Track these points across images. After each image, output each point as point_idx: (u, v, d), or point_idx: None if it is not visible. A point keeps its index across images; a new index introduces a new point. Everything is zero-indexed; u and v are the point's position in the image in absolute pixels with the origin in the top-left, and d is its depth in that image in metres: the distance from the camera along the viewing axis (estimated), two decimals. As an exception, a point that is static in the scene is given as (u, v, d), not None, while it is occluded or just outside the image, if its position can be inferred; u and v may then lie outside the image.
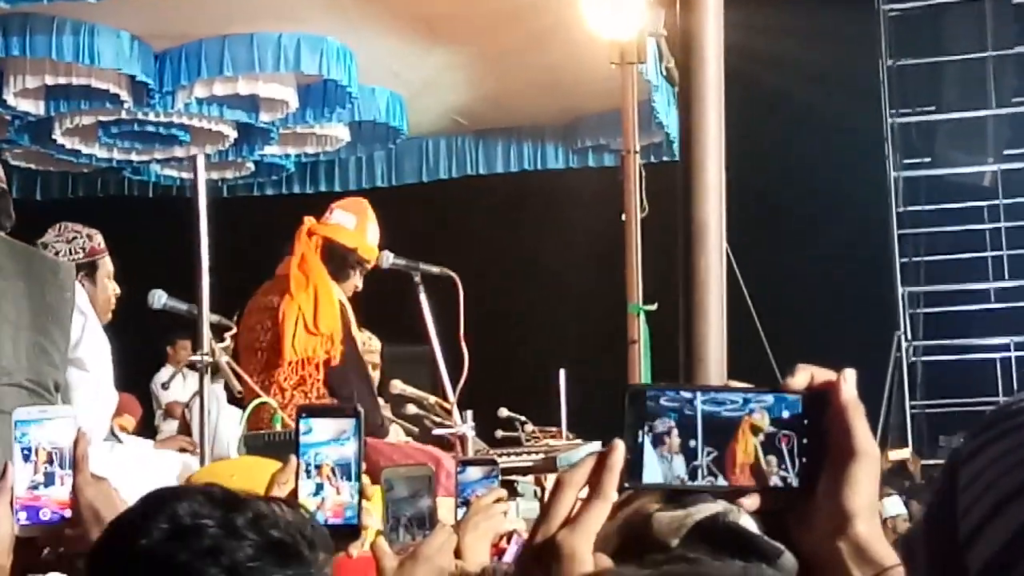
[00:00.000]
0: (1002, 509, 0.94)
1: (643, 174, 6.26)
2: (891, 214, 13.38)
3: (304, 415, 1.97)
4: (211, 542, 1.56)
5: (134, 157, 7.24)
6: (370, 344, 6.20)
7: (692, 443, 1.18)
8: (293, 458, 1.95)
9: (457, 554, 2.46)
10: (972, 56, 13.14)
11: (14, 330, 3.46)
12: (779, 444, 1.20)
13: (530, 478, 5.53)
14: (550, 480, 5.21)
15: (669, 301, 4.68)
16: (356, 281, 5.57)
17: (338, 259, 5.48)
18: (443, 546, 2.39)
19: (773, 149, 11.25)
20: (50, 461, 1.98)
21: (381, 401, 6.02)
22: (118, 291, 5.09)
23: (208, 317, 4.94)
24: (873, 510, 1.17)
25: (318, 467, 1.94)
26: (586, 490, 1.18)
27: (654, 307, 5.94)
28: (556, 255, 11.13)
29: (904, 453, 11.04)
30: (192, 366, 5.03)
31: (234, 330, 5.31)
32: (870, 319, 12.85)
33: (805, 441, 1.20)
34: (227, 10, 6.04)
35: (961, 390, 12.54)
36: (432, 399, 5.77)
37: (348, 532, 1.92)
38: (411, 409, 5.82)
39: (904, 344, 13.17)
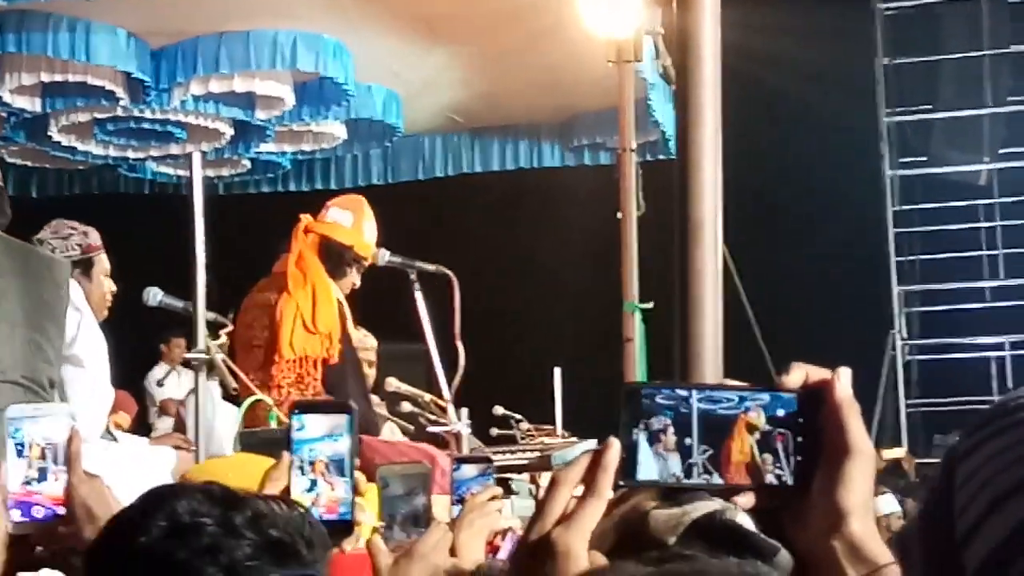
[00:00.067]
0: (999, 506, 0.94)
1: (639, 172, 6.27)
2: (886, 213, 13.37)
3: (297, 411, 1.97)
4: (210, 540, 1.56)
5: (130, 154, 7.24)
6: (366, 342, 6.19)
7: (688, 441, 1.18)
8: (286, 454, 1.95)
9: (452, 552, 2.46)
10: (968, 55, 13.13)
11: (9, 327, 3.46)
12: (774, 442, 1.20)
13: (525, 476, 5.53)
14: (545, 478, 5.21)
15: (665, 299, 4.69)
16: (354, 278, 5.57)
17: (335, 257, 5.48)
18: (438, 544, 2.39)
19: (769, 147, 11.24)
20: (43, 457, 1.97)
21: (377, 399, 6.02)
22: (114, 288, 5.08)
23: (204, 314, 4.93)
24: (867, 508, 1.17)
25: (312, 463, 1.93)
26: (581, 488, 1.18)
27: (650, 305, 5.94)
28: (552, 253, 11.13)
29: (899, 452, 11.04)
30: (187, 363, 5.03)
31: (230, 327, 5.31)
32: (865, 317, 12.85)
33: (800, 439, 1.20)
34: (224, 7, 6.04)
35: (956, 389, 12.53)
36: (427, 397, 5.77)
37: (342, 528, 1.92)
38: (406, 407, 5.82)
39: (899, 342, 13.17)
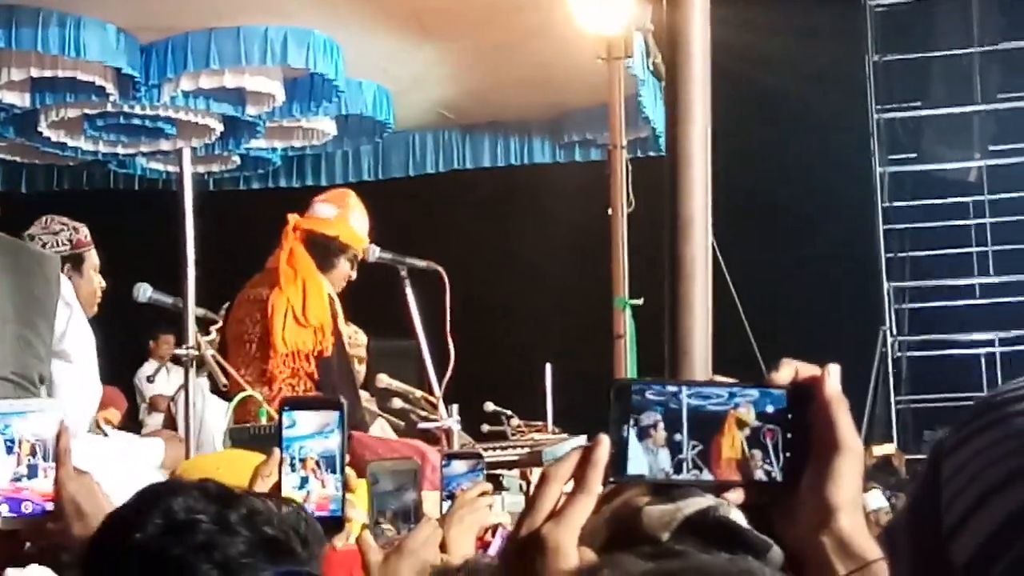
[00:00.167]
0: (987, 501, 0.94)
1: (629, 169, 6.27)
2: (877, 210, 13.39)
3: (287, 408, 1.97)
4: (204, 537, 1.56)
5: (120, 150, 7.22)
6: (356, 338, 6.19)
7: (678, 437, 1.18)
8: (276, 451, 1.95)
9: (442, 547, 2.47)
10: (958, 52, 13.16)
11: (0, 323, 3.46)
12: (764, 438, 1.20)
13: (515, 472, 5.54)
14: (535, 474, 5.21)
15: (655, 296, 4.69)
16: (345, 269, 5.56)
17: (320, 248, 5.49)
18: (428, 540, 2.39)
19: (759, 144, 11.25)
20: (33, 453, 1.97)
21: (367, 395, 6.02)
22: (104, 284, 5.08)
23: (193, 310, 4.93)
24: (856, 504, 1.17)
25: (303, 460, 1.93)
26: (571, 484, 1.18)
27: (640, 301, 5.95)
28: (543, 249, 11.12)
29: (889, 448, 11.05)
30: (177, 360, 5.02)
31: (219, 323, 5.31)
32: (855, 314, 12.87)
33: (789, 435, 1.20)
34: (214, 3, 6.03)
35: (946, 385, 12.55)
36: (418, 393, 5.77)
37: (332, 525, 1.92)
38: (397, 403, 5.82)
39: (889, 339, 13.20)
